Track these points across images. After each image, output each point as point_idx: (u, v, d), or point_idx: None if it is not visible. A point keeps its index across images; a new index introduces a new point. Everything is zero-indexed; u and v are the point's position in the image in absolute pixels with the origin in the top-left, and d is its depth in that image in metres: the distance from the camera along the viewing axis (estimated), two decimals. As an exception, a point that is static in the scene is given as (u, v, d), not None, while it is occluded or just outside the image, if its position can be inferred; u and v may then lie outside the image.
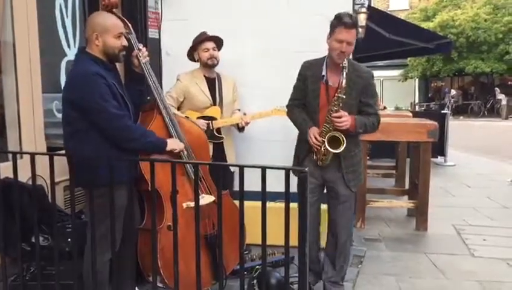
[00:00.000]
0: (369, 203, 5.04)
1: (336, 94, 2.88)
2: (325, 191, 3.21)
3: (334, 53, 2.90)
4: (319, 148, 2.97)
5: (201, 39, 3.70)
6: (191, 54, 3.76)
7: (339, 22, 2.85)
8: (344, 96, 2.86)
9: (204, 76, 3.73)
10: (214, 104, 3.72)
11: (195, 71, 3.77)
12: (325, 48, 3.04)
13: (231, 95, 3.85)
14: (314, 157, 3.04)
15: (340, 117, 2.85)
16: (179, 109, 3.71)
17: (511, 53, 21.54)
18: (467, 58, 22.47)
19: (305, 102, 3.10)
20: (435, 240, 4.59)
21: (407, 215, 5.42)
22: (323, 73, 2.99)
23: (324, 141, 2.92)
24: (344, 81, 2.84)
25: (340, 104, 2.87)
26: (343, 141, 2.88)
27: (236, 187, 3.62)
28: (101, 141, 2.52)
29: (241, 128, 3.79)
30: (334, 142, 2.90)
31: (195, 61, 3.79)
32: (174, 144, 2.88)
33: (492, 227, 4.97)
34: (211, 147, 3.65)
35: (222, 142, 3.75)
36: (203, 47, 3.67)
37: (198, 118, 3.65)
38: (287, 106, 3.24)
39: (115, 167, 2.18)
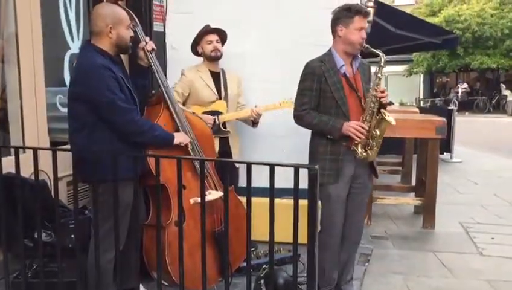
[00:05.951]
0: (375, 200, 4.97)
1: (376, 74, 2.91)
2: None
3: (355, 42, 2.88)
4: (363, 137, 2.85)
5: (204, 32, 3.65)
6: (195, 48, 3.71)
7: (356, 11, 2.87)
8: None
9: (209, 70, 3.68)
10: (220, 98, 3.68)
11: (200, 66, 3.72)
12: (330, 39, 2.97)
13: (236, 89, 3.80)
14: (359, 151, 2.89)
15: (383, 91, 2.88)
16: (184, 104, 3.65)
17: (517, 49, 21.42)
18: (473, 53, 22.30)
19: (318, 104, 2.92)
20: (443, 238, 4.52)
21: (414, 213, 5.35)
22: (342, 63, 2.92)
23: (369, 127, 2.86)
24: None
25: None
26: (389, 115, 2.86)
27: (241, 183, 3.59)
28: (108, 136, 2.48)
29: (255, 123, 3.73)
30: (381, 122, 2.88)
31: (199, 56, 3.73)
32: (180, 137, 2.86)
33: (500, 225, 4.90)
34: (216, 141, 3.60)
35: (227, 137, 3.70)
36: (207, 39, 3.62)
37: (203, 112, 3.60)
38: (299, 113, 2.93)
39: (121, 163, 2.14)
